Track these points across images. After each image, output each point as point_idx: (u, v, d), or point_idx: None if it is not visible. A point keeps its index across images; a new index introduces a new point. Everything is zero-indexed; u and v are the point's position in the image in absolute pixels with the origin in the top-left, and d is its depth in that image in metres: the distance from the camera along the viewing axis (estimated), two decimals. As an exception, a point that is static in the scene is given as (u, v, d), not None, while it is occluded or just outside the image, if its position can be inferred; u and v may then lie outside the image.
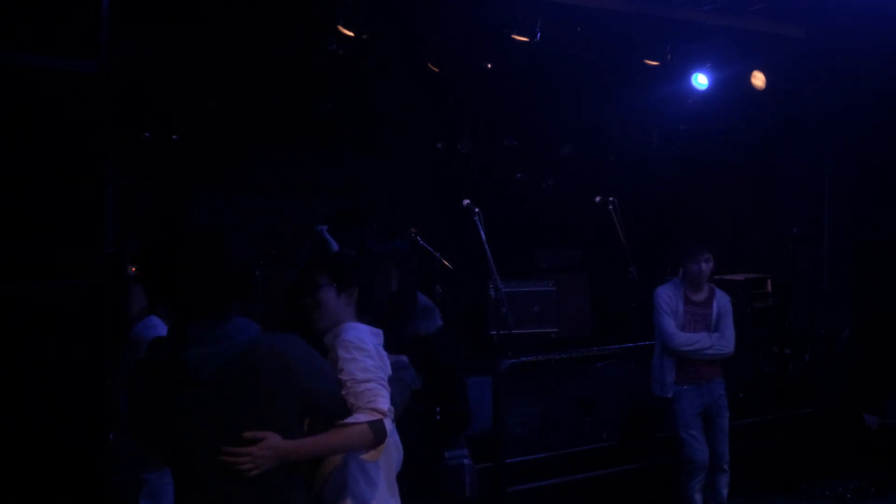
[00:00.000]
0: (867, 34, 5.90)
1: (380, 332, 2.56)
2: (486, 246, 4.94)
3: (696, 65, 6.75)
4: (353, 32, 5.57)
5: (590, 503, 5.09)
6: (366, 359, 2.34)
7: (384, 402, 2.27)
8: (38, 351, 3.09)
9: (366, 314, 2.56)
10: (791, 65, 6.64)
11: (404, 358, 2.65)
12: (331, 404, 2.23)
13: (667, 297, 4.77)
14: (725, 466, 4.80)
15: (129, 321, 3.25)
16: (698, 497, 4.75)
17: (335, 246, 3.71)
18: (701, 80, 6.81)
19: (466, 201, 5.24)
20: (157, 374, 2.09)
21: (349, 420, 2.21)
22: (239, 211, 6.82)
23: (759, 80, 6.73)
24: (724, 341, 4.73)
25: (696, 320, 4.78)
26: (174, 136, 6.69)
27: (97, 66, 3.22)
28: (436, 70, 6.31)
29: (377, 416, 2.24)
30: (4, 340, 3.03)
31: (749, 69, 6.73)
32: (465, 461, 4.17)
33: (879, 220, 6.28)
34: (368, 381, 2.28)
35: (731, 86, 6.87)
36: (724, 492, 4.83)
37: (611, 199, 6.01)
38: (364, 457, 2.37)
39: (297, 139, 7.30)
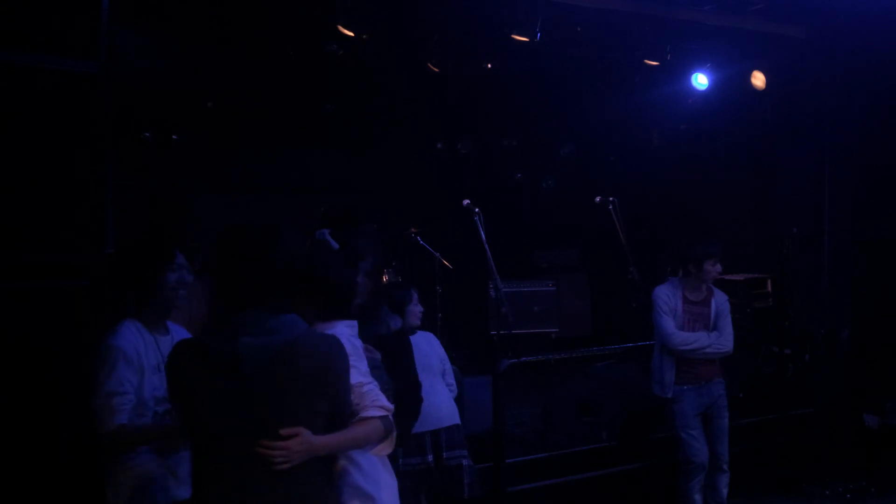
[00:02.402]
0: (867, 34, 5.89)
1: (354, 322, 2.64)
2: (486, 246, 4.93)
3: (696, 65, 6.75)
4: (353, 32, 5.57)
5: (590, 503, 5.09)
6: (362, 363, 2.47)
7: (385, 400, 2.39)
8: (38, 350, 3.09)
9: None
10: (791, 65, 6.64)
11: (378, 356, 2.72)
12: (347, 407, 2.31)
13: (665, 296, 4.78)
14: (725, 466, 4.80)
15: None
16: (698, 497, 4.75)
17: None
18: (701, 80, 6.80)
19: (466, 201, 5.23)
20: (205, 359, 2.14)
21: (365, 415, 2.31)
22: (239, 211, 6.82)
23: (759, 80, 6.72)
24: (723, 340, 4.73)
25: (694, 320, 4.78)
26: (174, 136, 6.69)
27: (97, 66, 3.22)
28: (436, 70, 6.31)
29: (385, 412, 2.36)
30: (4, 339, 3.03)
31: (749, 69, 6.73)
32: (465, 461, 4.17)
33: (879, 220, 6.28)
34: (370, 382, 2.41)
35: (731, 86, 6.87)
36: (724, 492, 4.83)
37: (611, 199, 6.01)
38: (374, 451, 2.47)
39: (297, 139, 7.31)
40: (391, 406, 2.39)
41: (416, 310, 4.14)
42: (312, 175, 7.35)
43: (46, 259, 3.11)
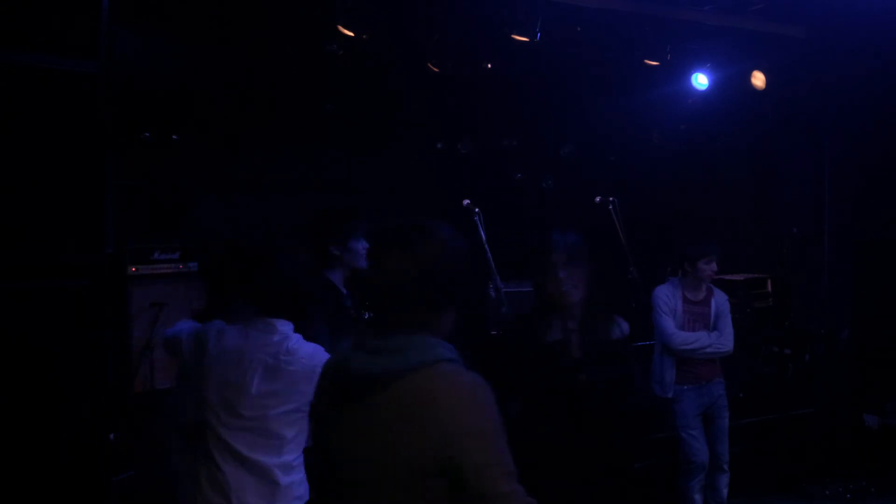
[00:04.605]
0: (867, 34, 5.89)
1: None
2: (486, 246, 4.93)
3: (696, 65, 6.75)
4: (353, 32, 5.57)
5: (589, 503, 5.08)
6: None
7: None
8: (38, 350, 3.09)
9: None
10: (791, 65, 6.63)
11: None
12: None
13: (665, 296, 4.78)
14: (725, 466, 4.80)
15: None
16: (698, 497, 4.76)
17: None
18: (701, 80, 6.80)
19: (466, 201, 5.24)
20: (328, 373, 1.86)
21: None
22: (239, 211, 6.81)
23: (759, 80, 6.72)
24: (724, 340, 4.74)
25: (694, 319, 4.79)
26: (174, 136, 6.68)
27: (97, 66, 3.23)
28: (436, 70, 6.31)
29: None
30: (4, 339, 3.04)
31: (749, 69, 6.72)
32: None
33: (879, 220, 6.28)
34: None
35: (731, 86, 6.86)
36: (724, 492, 4.83)
37: (611, 199, 6.01)
38: None
39: (297, 139, 7.29)
40: None
41: None
42: (313, 175, 7.33)
43: (46, 259, 3.11)
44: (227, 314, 2.89)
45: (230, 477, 2.68)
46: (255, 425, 2.70)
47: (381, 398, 1.69)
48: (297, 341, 2.78)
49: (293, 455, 2.76)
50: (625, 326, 3.18)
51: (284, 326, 2.79)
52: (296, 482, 2.77)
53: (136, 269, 5.69)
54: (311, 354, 2.76)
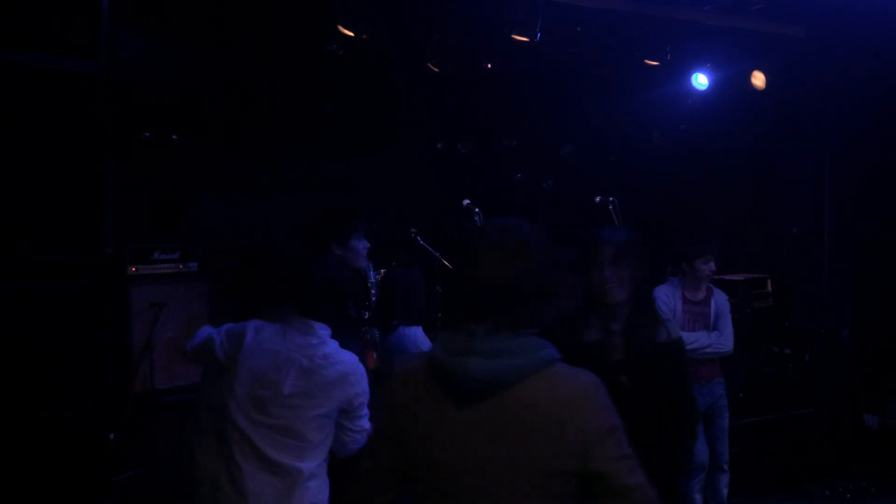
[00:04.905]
0: (867, 34, 5.90)
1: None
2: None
3: (696, 65, 6.75)
4: (353, 32, 5.58)
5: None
6: None
7: None
8: (38, 350, 3.09)
9: None
10: (791, 65, 6.64)
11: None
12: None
13: (665, 297, 4.78)
14: (725, 466, 4.80)
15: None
16: (698, 497, 4.75)
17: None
18: (701, 80, 6.80)
19: (466, 201, 5.25)
20: (430, 375, 1.78)
21: None
22: (239, 211, 6.82)
23: (759, 80, 6.72)
24: (724, 340, 4.74)
25: (694, 319, 4.79)
26: (174, 136, 6.68)
27: (97, 66, 3.23)
28: (436, 70, 6.32)
29: None
30: (4, 339, 3.04)
31: (749, 69, 6.72)
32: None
33: (879, 220, 6.28)
34: None
35: (731, 86, 6.87)
36: (724, 492, 4.83)
37: (611, 198, 6.01)
38: None
39: (297, 139, 7.30)
40: None
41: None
42: (313, 175, 7.35)
43: (46, 259, 3.11)
44: (249, 315, 2.89)
45: (249, 477, 2.68)
46: (282, 425, 2.70)
47: (504, 400, 1.68)
48: (333, 346, 2.80)
49: (316, 461, 2.76)
50: (674, 330, 3.04)
51: (323, 330, 2.81)
52: (315, 487, 2.76)
53: (136, 269, 5.70)
54: (345, 361, 2.78)
